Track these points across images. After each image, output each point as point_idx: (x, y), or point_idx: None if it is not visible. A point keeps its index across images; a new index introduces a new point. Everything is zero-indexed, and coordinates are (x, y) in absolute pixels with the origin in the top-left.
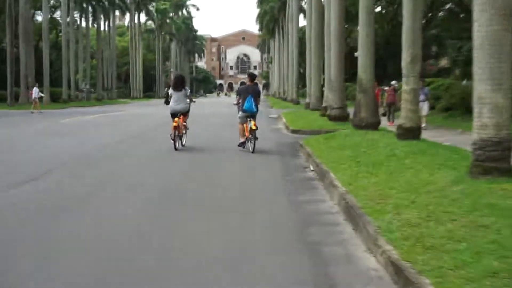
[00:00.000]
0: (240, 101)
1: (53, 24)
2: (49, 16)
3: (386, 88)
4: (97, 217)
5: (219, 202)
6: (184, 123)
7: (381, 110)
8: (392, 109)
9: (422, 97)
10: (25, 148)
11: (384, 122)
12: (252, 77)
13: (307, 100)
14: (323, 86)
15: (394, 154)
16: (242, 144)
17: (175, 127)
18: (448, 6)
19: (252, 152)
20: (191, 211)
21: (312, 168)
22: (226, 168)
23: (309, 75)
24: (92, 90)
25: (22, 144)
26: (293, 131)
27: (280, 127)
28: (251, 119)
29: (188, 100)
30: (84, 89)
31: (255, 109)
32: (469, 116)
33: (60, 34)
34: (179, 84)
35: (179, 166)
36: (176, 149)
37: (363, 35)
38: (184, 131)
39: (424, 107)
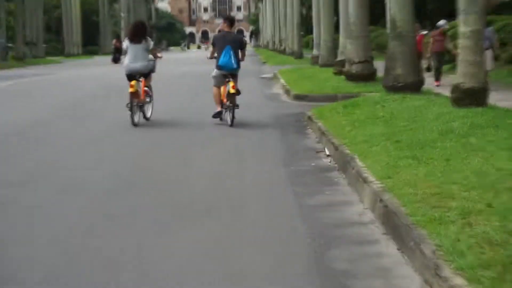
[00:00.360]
0: (216, 54)
1: None
2: None
3: (429, 32)
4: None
5: (192, 212)
6: (146, 88)
7: (424, 64)
8: (441, 61)
9: (485, 42)
10: None
11: (429, 80)
12: (229, 21)
13: (314, 52)
14: (337, 31)
15: (451, 130)
16: (217, 115)
17: (133, 94)
18: None
19: (230, 126)
20: (150, 230)
21: (328, 153)
22: (203, 153)
23: (316, 15)
24: (10, 45)
25: None
26: (297, 97)
27: (277, 91)
28: (230, 79)
29: (151, 56)
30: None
31: (234, 65)
32: None
33: None
34: (138, 34)
35: (136, 151)
36: (134, 124)
37: None
38: (148, 99)
39: (488, 57)
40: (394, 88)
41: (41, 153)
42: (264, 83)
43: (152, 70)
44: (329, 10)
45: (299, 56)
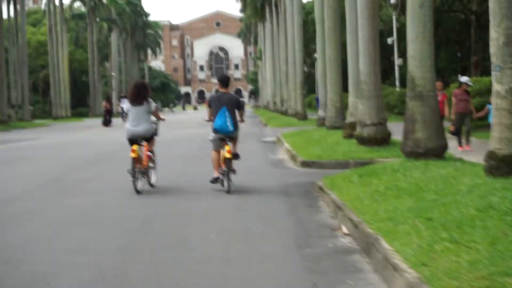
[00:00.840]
0: (210, 112)
1: None
2: None
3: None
4: None
5: None
6: (149, 153)
7: (446, 127)
8: (468, 123)
9: None
10: None
11: (452, 145)
12: (223, 81)
13: (320, 113)
14: (345, 90)
15: (490, 205)
16: (214, 181)
17: (135, 159)
18: None
19: (227, 192)
20: None
21: (346, 231)
22: (203, 231)
23: (322, 73)
24: None
25: None
26: (304, 164)
27: (282, 157)
28: (228, 142)
29: (154, 118)
30: None
31: (230, 128)
32: None
33: None
34: (139, 96)
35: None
36: (137, 191)
37: (414, 5)
38: (151, 165)
39: None
40: (414, 154)
41: (32, 229)
42: (268, 148)
43: (155, 133)
44: (336, 67)
45: (303, 117)
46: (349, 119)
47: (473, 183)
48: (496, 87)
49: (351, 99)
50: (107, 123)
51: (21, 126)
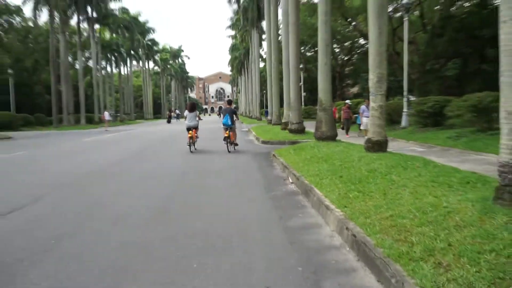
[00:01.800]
0: (221, 117)
1: (87, 69)
2: (84, 64)
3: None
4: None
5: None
6: (196, 134)
7: (339, 125)
8: (348, 123)
9: (367, 113)
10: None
11: (340, 135)
12: (229, 102)
13: (268, 117)
14: (280, 106)
15: (375, 169)
16: (224, 139)
17: (190, 137)
18: (360, 50)
19: (229, 152)
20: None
21: (291, 181)
22: (218, 162)
23: (270, 99)
24: (118, 114)
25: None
26: (263, 142)
27: (252, 138)
28: (228, 129)
29: (197, 118)
30: (111, 114)
31: (229, 123)
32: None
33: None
34: (192, 108)
35: (191, 160)
36: (191, 151)
37: (322, 64)
38: (196, 140)
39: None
40: (321, 138)
41: (157, 159)
42: (244, 134)
43: (197, 126)
44: (276, 96)
45: (259, 119)
46: (283, 120)
47: (360, 155)
48: (372, 104)
49: (285, 111)
50: (169, 121)
51: (130, 123)
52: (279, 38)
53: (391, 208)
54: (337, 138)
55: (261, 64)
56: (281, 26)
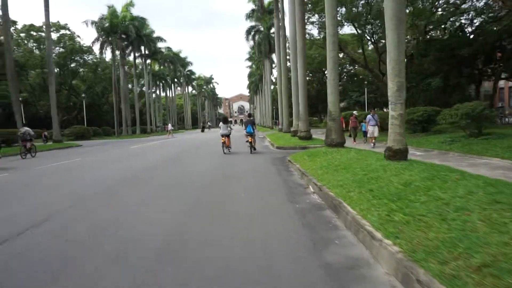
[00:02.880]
0: (244, 126)
1: (142, 93)
2: (139, 89)
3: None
4: None
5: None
6: (229, 140)
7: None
8: (355, 131)
9: (373, 122)
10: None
11: (348, 142)
12: (249, 115)
13: (280, 126)
14: (290, 117)
15: (409, 182)
16: (247, 141)
17: (223, 142)
18: (348, 74)
19: (251, 153)
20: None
21: (313, 190)
22: (244, 161)
23: (281, 111)
24: (164, 126)
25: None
26: (278, 147)
27: (267, 144)
28: (250, 136)
29: (229, 129)
30: (159, 125)
31: (252, 131)
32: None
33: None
34: (226, 120)
35: (224, 160)
36: (224, 153)
37: (330, 79)
38: (230, 145)
39: (376, 130)
40: (331, 145)
41: (192, 159)
42: (260, 140)
43: (230, 134)
44: (286, 109)
45: (271, 128)
46: (292, 129)
47: (381, 164)
48: (392, 113)
49: (294, 120)
50: (203, 130)
51: (175, 132)
52: (288, 64)
53: (473, 249)
54: (345, 144)
55: (271, 87)
56: (288, 52)
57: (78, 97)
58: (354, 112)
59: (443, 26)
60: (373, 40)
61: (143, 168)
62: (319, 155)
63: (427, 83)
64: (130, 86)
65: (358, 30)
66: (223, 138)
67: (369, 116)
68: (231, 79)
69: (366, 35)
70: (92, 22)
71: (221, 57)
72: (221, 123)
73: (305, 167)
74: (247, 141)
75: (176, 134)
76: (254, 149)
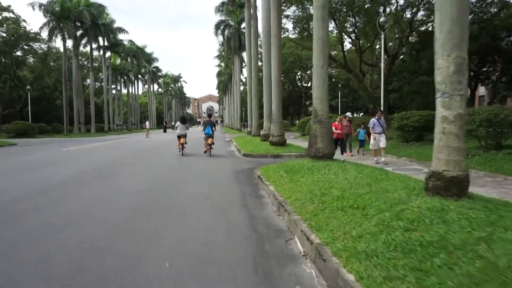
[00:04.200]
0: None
1: (101, 88)
2: (98, 84)
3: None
4: None
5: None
6: (185, 141)
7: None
8: (350, 140)
9: (379, 128)
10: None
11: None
12: (209, 115)
13: (248, 129)
14: (260, 119)
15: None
16: (205, 152)
17: (180, 143)
18: None
19: (210, 156)
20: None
21: (303, 250)
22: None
23: (250, 112)
24: (125, 125)
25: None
26: (245, 155)
27: (233, 149)
28: (210, 138)
29: (186, 129)
30: (119, 124)
31: (211, 132)
32: None
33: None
34: (183, 120)
35: (180, 161)
36: (181, 154)
37: (317, 67)
38: (185, 145)
39: (383, 139)
40: (316, 156)
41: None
42: (226, 144)
43: (186, 134)
44: (256, 110)
45: (239, 130)
46: (262, 132)
47: (432, 205)
48: (443, 112)
49: (265, 123)
50: (165, 131)
51: (136, 131)
52: (259, 63)
53: None
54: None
55: (241, 87)
56: (260, 51)
57: (24, 89)
58: (348, 114)
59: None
60: (353, 38)
61: (48, 187)
62: (301, 171)
63: (419, 81)
64: (89, 81)
65: (337, 24)
66: (181, 139)
67: (373, 120)
68: (200, 79)
69: (344, 33)
70: (40, 5)
71: (190, 58)
72: (178, 123)
73: (284, 193)
74: (209, 145)
75: (135, 134)
76: (211, 148)
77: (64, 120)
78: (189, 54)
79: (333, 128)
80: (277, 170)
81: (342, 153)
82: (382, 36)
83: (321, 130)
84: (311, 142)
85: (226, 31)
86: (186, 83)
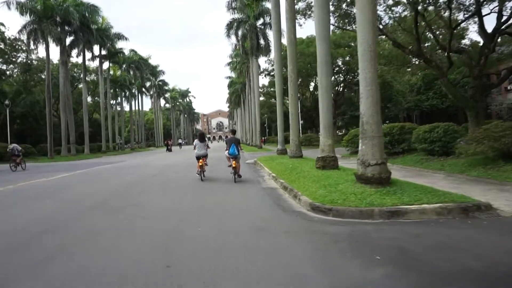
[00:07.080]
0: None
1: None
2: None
3: None
4: None
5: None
6: (205, 163)
7: None
8: None
9: None
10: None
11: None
12: (233, 132)
13: (279, 147)
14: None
15: None
16: (229, 166)
17: (200, 166)
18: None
19: (235, 182)
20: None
21: None
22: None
23: (280, 125)
24: (127, 145)
25: None
26: (318, 211)
27: (272, 184)
28: (234, 160)
29: (206, 148)
30: (119, 143)
31: (236, 153)
32: None
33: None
34: (202, 138)
35: (202, 187)
36: (201, 179)
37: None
38: (205, 167)
39: None
40: None
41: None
42: (252, 171)
43: (207, 154)
44: (297, 120)
45: (260, 147)
46: (320, 154)
47: None
48: None
49: (322, 139)
50: (169, 150)
51: (140, 150)
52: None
53: None
54: None
55: (260, 97)
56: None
57: (3, 105)
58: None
59: None
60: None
61: None
62: None
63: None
64: (88, 97)
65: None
66: (200, 161)
67: None
68: (210, 95)
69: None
70: (17, 3)
71: (199, 74)
72: (196, 141)
73: None
74: (230, 166)
75: (137, 154)
76: (239, 176)
77: (48, 140)
78: (198, 72)
79: None
80: None
81: None
82: None
83: None
84: None
85: (240, 30)
86: (194, 97)
